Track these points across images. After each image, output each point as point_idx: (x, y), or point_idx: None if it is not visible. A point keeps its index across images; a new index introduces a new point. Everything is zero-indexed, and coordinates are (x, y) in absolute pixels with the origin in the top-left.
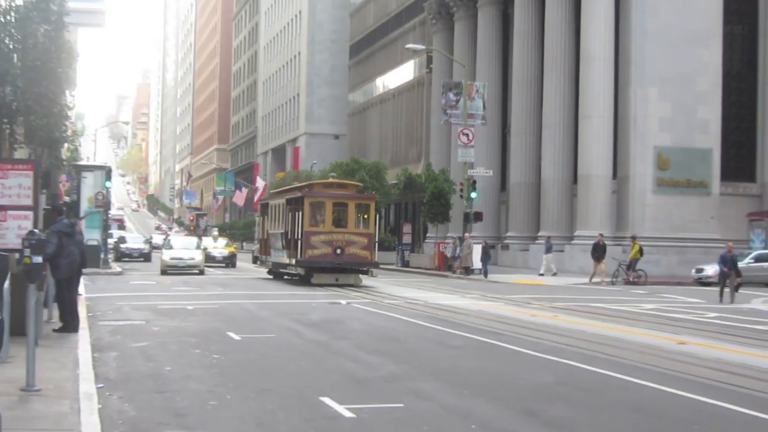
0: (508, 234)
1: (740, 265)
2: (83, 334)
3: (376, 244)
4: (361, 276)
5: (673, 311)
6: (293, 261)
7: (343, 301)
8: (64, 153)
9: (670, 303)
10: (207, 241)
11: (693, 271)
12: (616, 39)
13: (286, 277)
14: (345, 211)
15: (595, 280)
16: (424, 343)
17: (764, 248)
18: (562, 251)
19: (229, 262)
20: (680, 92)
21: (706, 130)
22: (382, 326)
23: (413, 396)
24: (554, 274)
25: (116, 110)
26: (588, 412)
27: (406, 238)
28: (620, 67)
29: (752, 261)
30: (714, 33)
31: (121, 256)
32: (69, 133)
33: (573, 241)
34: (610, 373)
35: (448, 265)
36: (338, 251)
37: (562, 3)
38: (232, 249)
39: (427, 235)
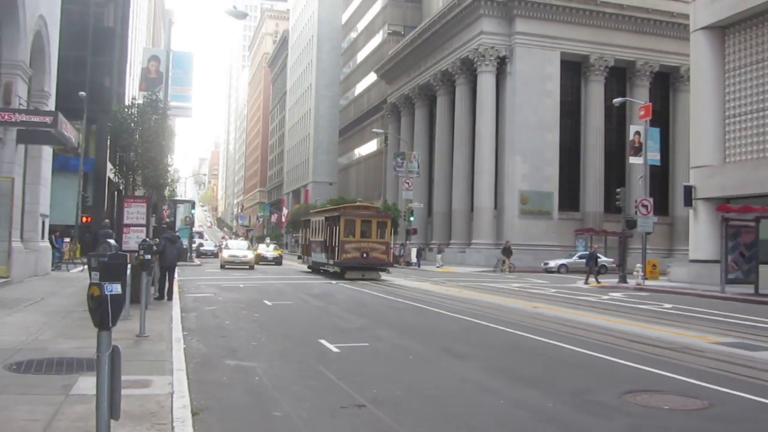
0: (432, 242)
1: (568, 261)
2: (175, 302)
3: (391, 249)
4: (380, 272)
5: (530, 288)
6: (332, 261)
7: (334, 281)
8: (166, 192)
9: (528, 283)
10: (262, 246)
11: (542, 264)
12: (496, 127)
13: (323, 271)
14: (369, 225)
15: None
16: (382, 307)
17: (585, 251)
18: (464, 252)
19: (277, 261)
20: (534, 158)
21: (550, 181)
22: (356, 297)
23: (374, 339)
24: (439, 267)
25: (198, 166)
26: (481, 349)
27: None
28: (499, 143)
29: (578, 258)
30: (554, 123)
31: (201, 254)
32: (169, 180)
33: (470, 246)
34: (493, 326)
35: (397, 261)
36: (364, 255)
37: (464, 106)
38: (279, 251)
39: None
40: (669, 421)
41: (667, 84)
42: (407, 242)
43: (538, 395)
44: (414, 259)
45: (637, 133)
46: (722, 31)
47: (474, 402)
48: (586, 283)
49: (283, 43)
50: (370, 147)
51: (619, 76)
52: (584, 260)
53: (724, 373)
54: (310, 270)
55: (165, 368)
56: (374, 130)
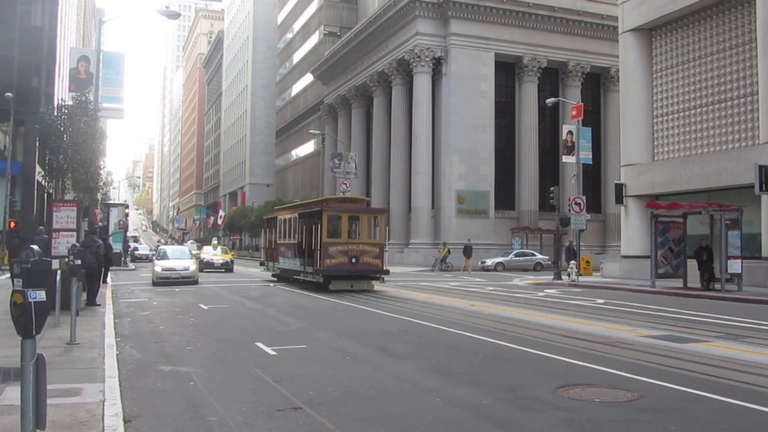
0: None
1: (505, 259)
2: (108, 308)
3: (386, 253)
4: (372, 281)
5: (467, 287)
6: (310, 269)
7: (271, 284)
8: (99, 196)
9: (465, 282)
10: (207, 249)
11: (479, 262)
12: (433, 127)
13: (296, 281)
14: (358, 222)
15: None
16: (321, 309)
17: (521, 248)
18: (402, 252)
19: (227, 267)
20: (470, 158)
21: (486, 180)
22: (294, 299)
23: (312, 340)
24: None
25: (132, 169)
26: (418, 348)
27: None
28: (435, 143)
29: (514, 256)
30: (489, 123)
31: (135, 259)
32: (101, 183)
33: (409, 246)
34: (431, 325)
35: None
36: (353, 260)
37: (401, 106)
38: (229, 256)
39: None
40: (600, 413)
41: (598, 84)
42: None
43: (474, 392)
44: None
45: (570, 132)
46: (649, 32)
47: (410, 401)
48: (568, 278)
49: (218, 44)
50: (307, 148)
51: (552, 77)
52: (520, 258)
53: (654, 365)
54: (275, 279)
55: (96, 376)
56: (311, 131)
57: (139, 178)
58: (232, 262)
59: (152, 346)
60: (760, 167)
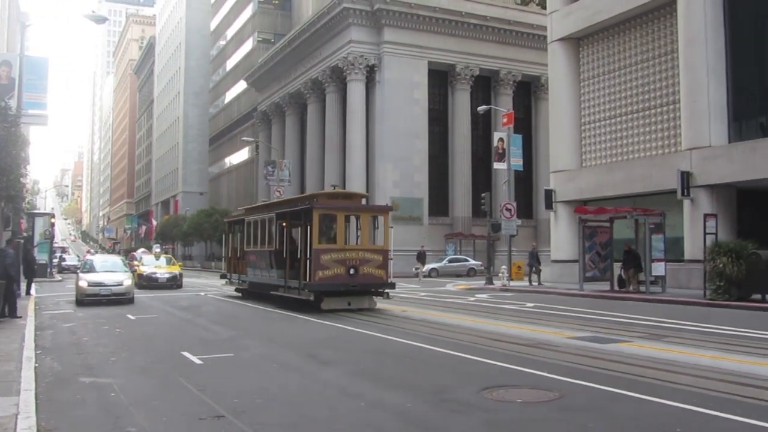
0: None
1: (439, 265)
2: (29, 320)
3: (391, 261)
4: (375, 298)
5: (400, 293)
6: (295, 283)
7: (203, 293)
8: (24, 205)
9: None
10: (148, 260)
11: (413, 269)
12: (367, 134)
13: (275, 298)
14: (357, 224)
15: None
16: (251, 317)
17: (454, 254)
18: None
19: (175, 282)
20: (404, 166)
21: (420, 187)
22: (225, 308)
23: (241, 349)
24: None
25: (60, 177)
26: (347, 354)
27: None
28: (369, 151)
29: (448, 262)
30: (423, 131)
31: (63, 270)
32: (24, 192)
33: None
34: (361, 330)
35: None
36: (351, 271)
37: (335, 113)
38: (177, 267)
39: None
40: (522, 413)
41: (529, 92)
42: None
43: (400, 396)
44: None
45: (501, 139)
46: (577, 42)
47: (335, 406)
48: (531, 283)
49: (149, 50)
50: (241, 155)
51: (485, 85)
52: (453, 264)
53: (577, 365)
54: (240, 295)
55: (12, 389)
56: (244, 138)
57: (67, 186)
58: (180, 275)
59: (74, 358)
60: (682, 173)
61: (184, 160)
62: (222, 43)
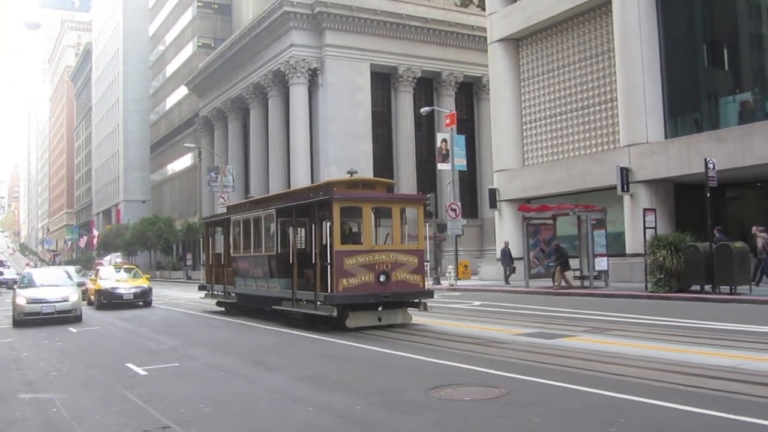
0: None
1: None
2: None
3: (428, 264)
4: (408, 310)
5: None
6: (309, 295)
7: (141, 302)
8: None
9: None
10: (106, 272)
11: None
12: (311, 138)
13: (276, 314)
14: (389, 218)
15: None
16: (197, 326)
17: None
18: None
19: (143, 299)
20: (349, 168)
21: None
22: (170, 317)
23: (186, 358)
24: None
25: None
26: (294, 360)
27: (189, 261)
28: (314, 154)
29: None
30: (367, 133)
31: (1, 284)
32: None
33: None
34: (307, 335)
35: None
36: (382, 278)
37: (278, 118)
38: (144, 280)
39: (203, 260)
40: (469, 410)
41: (471, 93)
42: None
43: (347, 399)
44: None
45: (444, 140)
46: (516, 42)
47: (282, 412)
48: (507, 282)
49: (86, 56)
50: (184, 162)
51: (427, 86)
52: None
53: (523, 361)
54: (223, 309)
55: None
56: (186, 144)
57: (3, 198)
58: (150, 290)
59: (13, 374)
60: (622, 169)
61: (125, 167)
62: (161, 48)
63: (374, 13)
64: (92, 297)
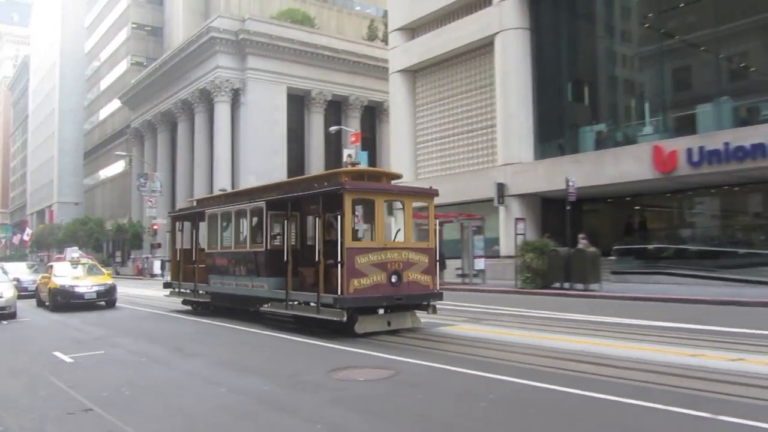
0: None
1: None
2: None
3: (438, 264)
4: (417, 313)
5: None
6: (314, 297)
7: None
8: None
9: None
10: (61, 268)
11: None
12: (232, 151)
13: (261, 317)
14: (402, 213)
15: None
16: (124, 317)
17: None
18: None
19: (107, 298)
20: (266, 179)
21: None
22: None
23: (111, 346)
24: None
25: None
26: (211, 347)
27: (118, 259)
28: (234, 165)
29: None
30: (282, 148)
31: None
32: None
33: None
34: (224, 324)
35: (141, 273)
36: (394, 278)
37: (203, 132)
38: (107, 277)
39: (131, 257)
40: (362, 389)
41: (374, 115)
42: (149, 256)
43: (258, 381)
44: (157, 271)
45: (350, 155)
46: (413, 74)
47: (198, 393)
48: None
49: (24, 68)
50: (116, 168)
51: (336, 108)
52: None
53: (410, 346)
54: (190, 308)
55: None
56: (118, 153)
57: None
58: (114, 288)
59: None
60: (498, 184)
61: (60, 172)
62: (96, 63)
63: (292, 42)
64: (44, 296)
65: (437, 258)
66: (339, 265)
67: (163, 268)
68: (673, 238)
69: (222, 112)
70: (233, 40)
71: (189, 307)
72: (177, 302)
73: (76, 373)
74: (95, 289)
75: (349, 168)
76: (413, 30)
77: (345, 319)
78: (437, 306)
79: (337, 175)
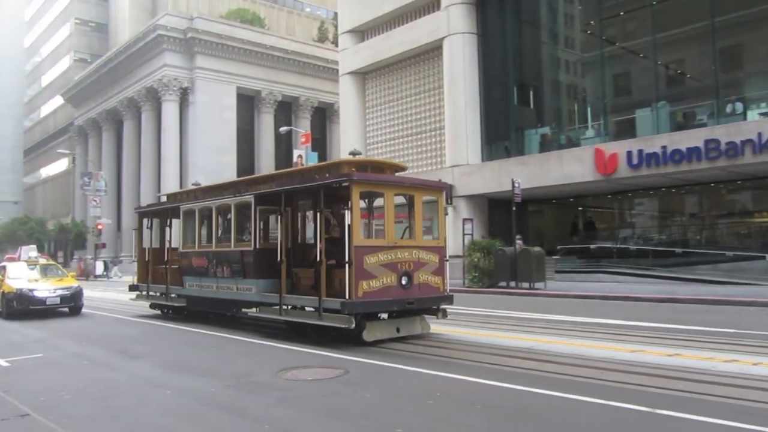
0: (122, 255)
1: None
2: None
3: (447, 263)
4: (426, 318)
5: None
6: (314, 302)
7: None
8: None
9: None
10: (16, 270)
11: None
12: (181, 150)
13: (230, 318)
14: (412, 208)
15: None
16: (65, 318)
17: None
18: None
19: (72, 305)
20: (215, 178)
21: None
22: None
23: (51, 349)
24: (120, 277)
25: None
26: (157, 348)
27: (60, 259)
28: (183, 165)
29: None
30: (232, 147)
31: None
32: None
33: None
34: (171, 325)
35: (84, 274)
36: (404, 280)
37: (150, 130)
38: (71, 280)
39: (74, 257)
40: (311, 389)
41: (324, 116)
42: (89, 258)
43: (204, 382)
44: (101, 272)
45: (300, 156)
46: (363, 76)
47: (142, 396)
48: None
49: None
50: (58, 166)
51: (287, 109)
52: None
53: (359, 345)
54: (159, 313)
55: None
56: (60, 150)
57: None
58: (80, 292)
59: None
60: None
61: None
62: (37, 59)
63: (242, 42)
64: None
65: (446, 257)
66: (346, 265)
67: (107, 269)
68: (615, 238)
69: (170, 111)
70: (181, 39)
71: (157, 312)
72: (146, 306)
73: (11, 378)
74: (59, 293)
75: (352, 158)
76: (363, 32)
77: (354, 325)
78: (447, 311)
79: (340, 166)
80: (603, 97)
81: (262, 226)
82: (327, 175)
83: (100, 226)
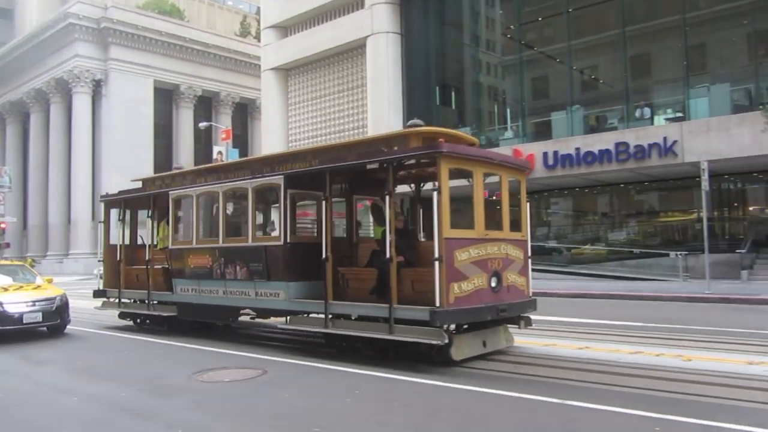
0: (27, 254)
1: None
2: None
3: (529, 260)
4: (508, 327)
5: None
6: (385, 311)
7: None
8: None
9: None
10: None
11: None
12: (93, 145)
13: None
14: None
15: None
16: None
17: None
18: (62, 263)
19: (55, 320)
20: (131, 174)
21: None
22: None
23: None
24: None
25: None
26: (65, 353)
27: None
28: (96, 160)
29: None
30: (149, 143)
31: None
32: None
33: (68, 257)
34: (81, 328)
35: None
36: (494, 282)
37: (60, 124)
38: (50, 287)
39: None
40: (227, 390)
41: (246, 113)
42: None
43: (114, 387)
44: None
45: (220, 152)
46: (286, 72)
47: (47, 404)
48: None
49: None
50: None
51: (207, 105)
52: None
53: (281, 344)
54: (131, 323)
55: None
56: None
57: None
58: (66, 303)
59: None
60: None
61: None
62: None
63: (159, 33)
64: None
65: (530, 254)
66: (436, 263)
67: None
68: (532, 236)
69: (81, 103)
70: (94, 28)
71: (130, 322)
72: (114, 314)
73: None
74: (39, 306)
75: (417, 129)
76: (286, 28)
77: (446, 341)
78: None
79: (407, 137)
80: (521, 100)
81: (293, 215)
82: (395, 148)
83: (3, 225)
